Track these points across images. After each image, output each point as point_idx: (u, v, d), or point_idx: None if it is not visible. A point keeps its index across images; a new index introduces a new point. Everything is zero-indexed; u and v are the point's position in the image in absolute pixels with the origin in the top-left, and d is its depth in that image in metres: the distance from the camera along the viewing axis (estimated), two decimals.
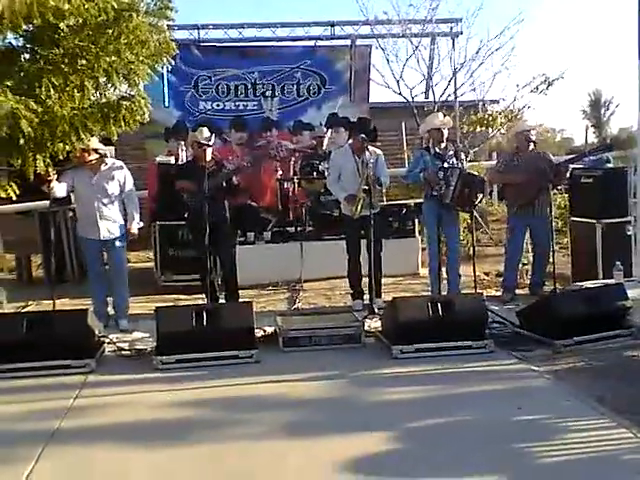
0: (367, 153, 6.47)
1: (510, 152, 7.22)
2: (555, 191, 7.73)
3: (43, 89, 6.56)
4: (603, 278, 6.70)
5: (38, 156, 6.77)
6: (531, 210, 6.67)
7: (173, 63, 8.74)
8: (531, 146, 6.77)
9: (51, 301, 5.60)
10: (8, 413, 4.21)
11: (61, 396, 4.44)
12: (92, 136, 6.18)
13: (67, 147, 7.08)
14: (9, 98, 6.13)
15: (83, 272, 7.91)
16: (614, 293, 5.58)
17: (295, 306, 6.97)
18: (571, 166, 6.73)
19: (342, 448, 3.58)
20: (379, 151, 6.74)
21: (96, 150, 6.13)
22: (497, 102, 11.66)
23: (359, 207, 6.37)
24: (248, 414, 4.11)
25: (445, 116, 7.03)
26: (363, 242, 6.51)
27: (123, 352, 5.42)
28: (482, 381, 4.58)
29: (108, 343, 5.54)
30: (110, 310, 6.35)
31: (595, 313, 5.29)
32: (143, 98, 7.32)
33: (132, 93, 7.37)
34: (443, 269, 6.57)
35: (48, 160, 6.83)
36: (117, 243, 6.22)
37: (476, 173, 6.57)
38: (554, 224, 6.40)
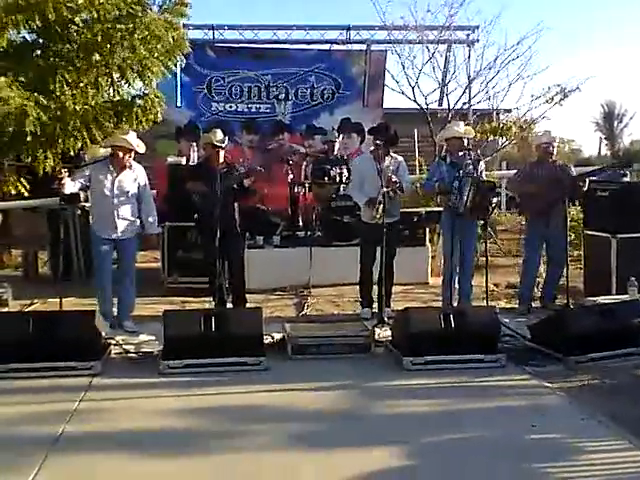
0: (388, 159, 6.40)
1: (531, 162, 7.16)
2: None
3: (57, 85, 6.51)
4: (616, 293, 6.61)
5: (48, 153, 6.72)
6: (546, 222, 6.59)
7: (186, 62, 8.71)
8: (552, 158, 6.72)
9: (57, 299, 5.53)
10: (12, 415, 4.13)
11: (65, 398, 4.36)
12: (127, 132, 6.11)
13: (78, 143, 7.03)
14: (18, 94, 6.07)
15: (90, 271, 7.83)
16: (629, 309, 5.50)
17: (303, 313, 6.90)
18: (588, 180, 6.62)
19: (352, 461, 3.49)
20: (400, 157, 6.63)
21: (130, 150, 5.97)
22: (510, 111, 11.59)
23: (380, 211, 6.21)
24: (256, 424, 4.02)
25: (467, 125, 6.94)
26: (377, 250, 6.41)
27: (129, 355, 5.35)
28: (495, 396, 4.49)
29: (114, 345, 5.47)
30: (114, 311, 6.26)
31: (609, 329, 5.20)
32: (157, 97, 7.26)
33: (146, 91, 7.31)
34: (455, 279, 6.48)
35: (58, 158, 6.79)
36: (130, 243, 6.14)
37: (486, 179, 6.44)
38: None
